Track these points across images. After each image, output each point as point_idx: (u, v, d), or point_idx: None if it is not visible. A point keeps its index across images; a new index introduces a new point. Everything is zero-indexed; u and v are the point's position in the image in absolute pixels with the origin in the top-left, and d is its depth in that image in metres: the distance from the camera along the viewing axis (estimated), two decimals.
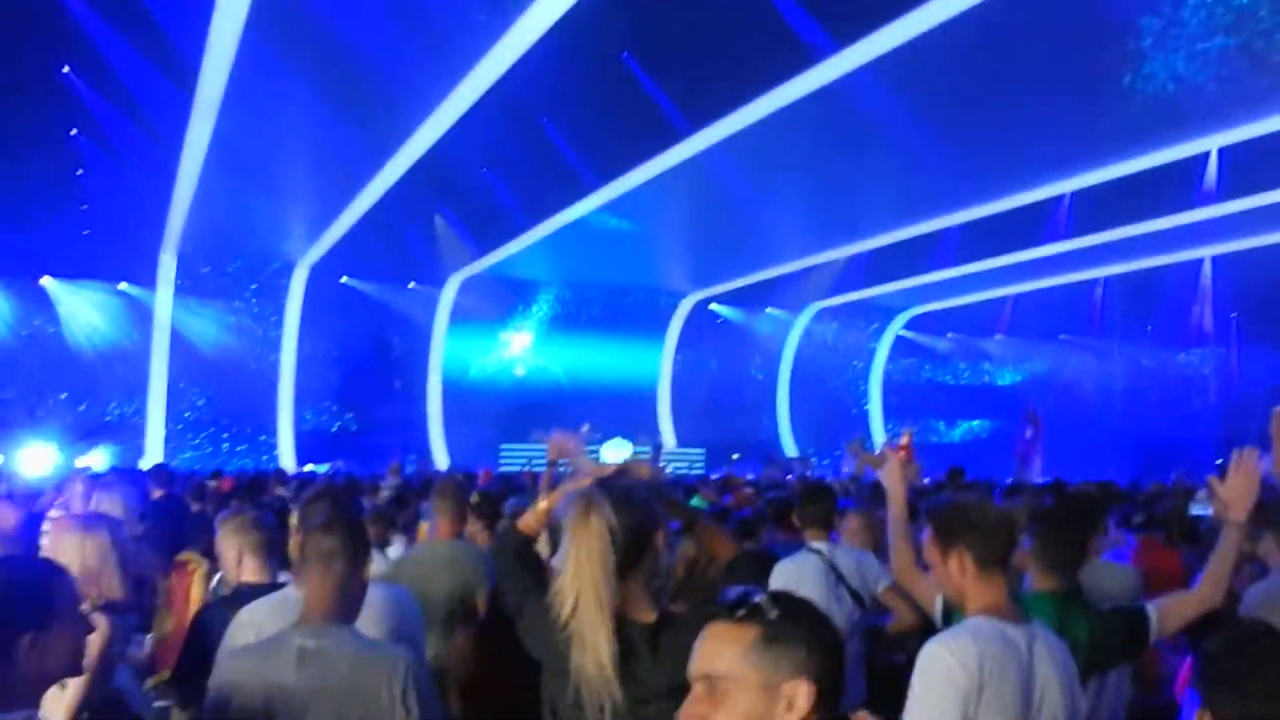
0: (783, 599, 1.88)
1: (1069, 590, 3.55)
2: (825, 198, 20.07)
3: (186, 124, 15.51)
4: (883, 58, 13.53)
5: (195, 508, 9.05)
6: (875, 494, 8.84)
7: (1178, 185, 18.23)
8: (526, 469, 17.46)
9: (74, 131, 17.09)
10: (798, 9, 12.88)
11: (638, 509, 2.67)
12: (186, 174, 17.38)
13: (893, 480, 4.04)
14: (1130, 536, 6.36)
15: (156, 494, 8.89)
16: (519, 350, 28.59)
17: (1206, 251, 24.32)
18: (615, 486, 2.72)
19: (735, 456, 25.81)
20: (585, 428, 4.65)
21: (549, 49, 13.39)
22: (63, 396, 22.88)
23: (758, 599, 1.86)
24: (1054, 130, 16.57)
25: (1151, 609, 3.54)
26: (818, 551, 4.94)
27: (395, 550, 6.31)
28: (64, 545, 3.88)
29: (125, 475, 11.62)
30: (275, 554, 4.23)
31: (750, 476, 18.75)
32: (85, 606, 3.84)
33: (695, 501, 9.17)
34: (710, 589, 3.44)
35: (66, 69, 15.05)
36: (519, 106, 15.61)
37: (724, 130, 16.05)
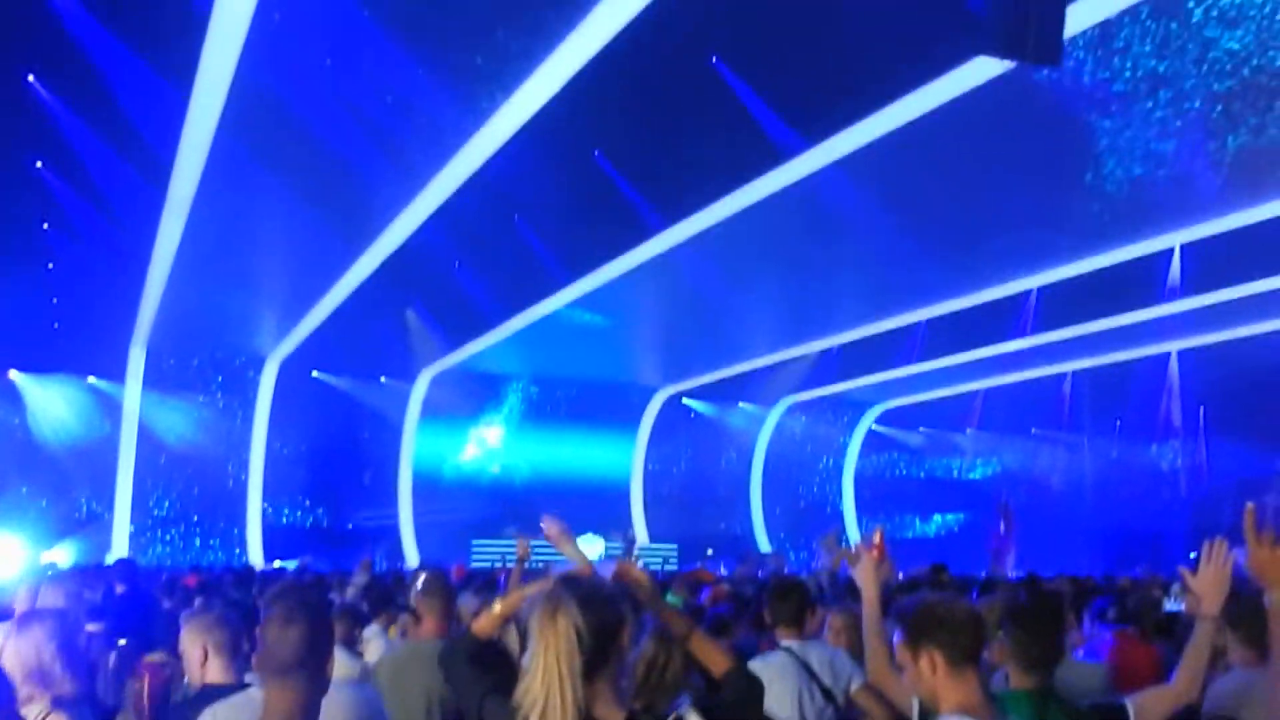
0: (713, 708, 1.87)
1: (1045, 687, 3.53)
2: (796, 293, 20.24)
3: (158, 219, 15.55)
4: (850, 156, 13.75)
5: (166, 605, 8.89)
6: (850, 591, 8.78)
7: (1142, 281, 18.49)
8: (499, 565, 17.28)
9: (45, 225, 17.08)
10: (766, 108, 13.10)
11: (604, 607, 2.64)
12: (157, 269, 17.39)
13: (866, 579, 4.03)
14: (1105, 631, 6.33)
15: (120, 589, 8.73)
16: (491, 445, 28.48)
17: (1172, 346, 24.59)
18: (582, 584, 2.69)
19: (709, 552, 25.67)
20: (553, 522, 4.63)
21: (521, 147, 13.54)
22: (26, 491, 22.58)
23: (684, 709, 1.85)
24: (1019, 227, 16.82)
25: (1130, 705, 3.54)
26: (788, 649, 4.88)
27: (373, 648, 6.20)
28: (6, 646, 3.82)
29: (85, 571, 11.44)
30: (240, 653, 4.14)
31: (723, 572, 18.63)
32: (40, 707, 3.78)
33: (669, 598, 9.06)
34: (671, 689, 3.37)
35: (39, 164, 15.09)
36: (491, 203, 15.72)
37: (695, 227, 16.23)
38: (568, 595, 2.61)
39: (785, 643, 4.92)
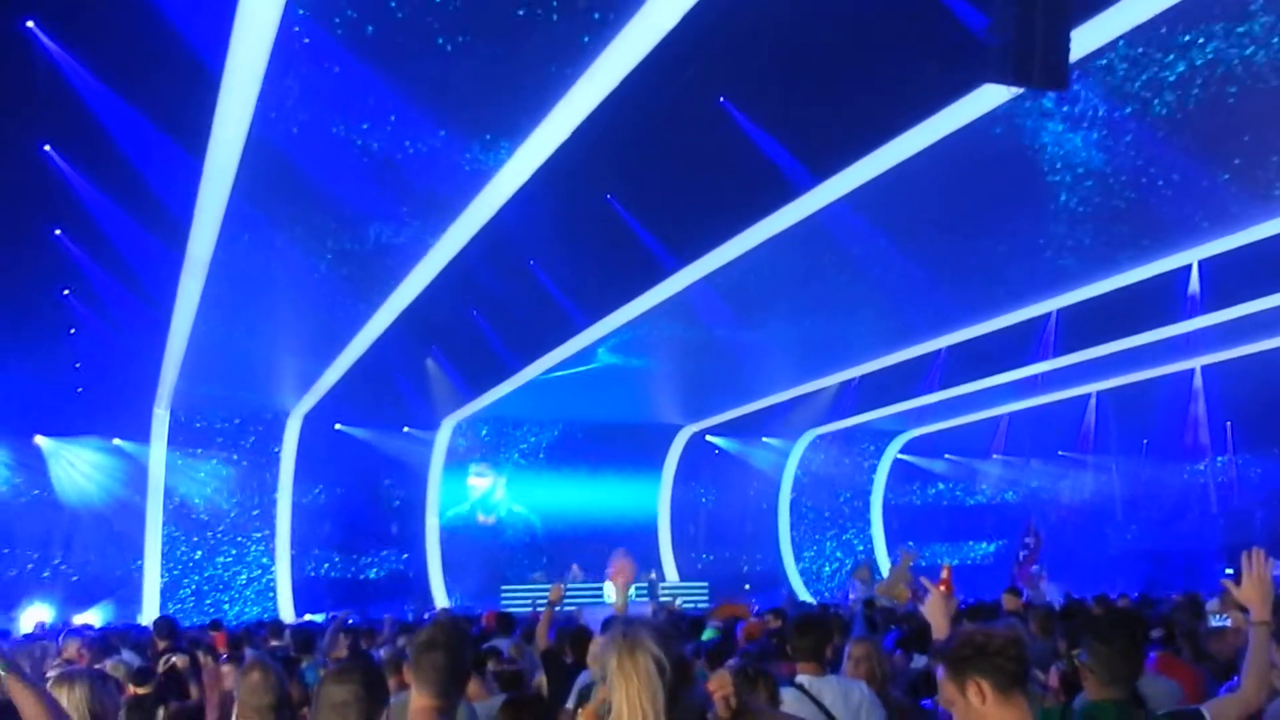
0: None
1: (1128, 699, 3.56)
2: (813, 326, 20.20)
3: (177, 282, 15.71)
4: (861, 189, 13.76)
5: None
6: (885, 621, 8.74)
7: (1162, 298, 18.39)
8: (530, 609, 17.20)
9: (66, 292, 17.24)
10: (776, 146, 13.13)
11: (674, 642, 2.69)
12: (178, 330, 17.54)
13: (936, 614, 4.04)
14: (1149, 652, 6.27)
15: (162, 646, 8.79)
16: (516, 490, 28.43)
17: (1196, 363, 24.43)
18: (650, 622, 2.73)
19: (746, 587, 25.60)
20: (574, 568, 4.65)
21: (534, 194, 13.60)
22: (57, 556, 22.69)
23: None
24: (1035, 251, 16.79)
25: (1207, 712, 3.59)
26: (799, 686, 4.81)
27: None
28: None
29: (124, 630, 11.48)
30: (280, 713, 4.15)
31: (755, 608, 18.54)
32: None
33: (707, 633, 9.10)
34: None
35: (58, 231, 15.24)
36: (506, 250, 15.79)
37: (709, 265, 16.26)
38: (645, 631, 2.63)
39: (799, 678, 4.88)
